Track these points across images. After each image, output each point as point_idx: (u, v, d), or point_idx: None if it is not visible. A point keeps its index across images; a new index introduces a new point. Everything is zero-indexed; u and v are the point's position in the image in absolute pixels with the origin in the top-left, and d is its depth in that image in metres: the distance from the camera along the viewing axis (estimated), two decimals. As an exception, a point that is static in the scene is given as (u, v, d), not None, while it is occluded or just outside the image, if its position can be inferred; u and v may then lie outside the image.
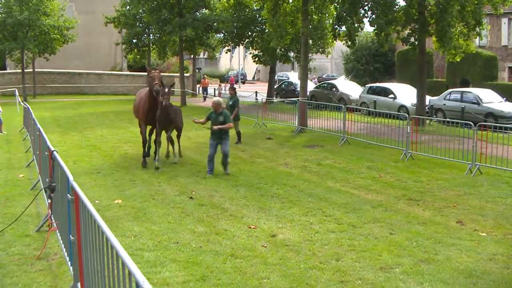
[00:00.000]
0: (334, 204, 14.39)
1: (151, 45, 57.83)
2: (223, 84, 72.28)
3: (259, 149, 23.37)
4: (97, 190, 15.61)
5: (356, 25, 32.83)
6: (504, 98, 36.79)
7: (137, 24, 54.83)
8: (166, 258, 10.20)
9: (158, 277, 9.26)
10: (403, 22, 31.11)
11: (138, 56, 60.79)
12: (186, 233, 11.76)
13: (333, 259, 10.37)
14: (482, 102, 34.98)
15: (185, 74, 55.26)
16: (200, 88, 58.35)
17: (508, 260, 10.63)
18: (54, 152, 10.04)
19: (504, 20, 54.24)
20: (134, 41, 57.16)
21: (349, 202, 14.64)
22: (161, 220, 12.72)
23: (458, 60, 33.58)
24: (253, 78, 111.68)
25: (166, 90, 18.68)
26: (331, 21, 38.12)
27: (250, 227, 12.31)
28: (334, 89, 47.00)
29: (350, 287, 9.10)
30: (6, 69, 65.97)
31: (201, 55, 75.73)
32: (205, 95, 57.12)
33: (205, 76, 65.42)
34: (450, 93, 37.97)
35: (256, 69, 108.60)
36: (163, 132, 19.59)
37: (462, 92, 37.39)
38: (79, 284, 7.81)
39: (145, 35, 57.18)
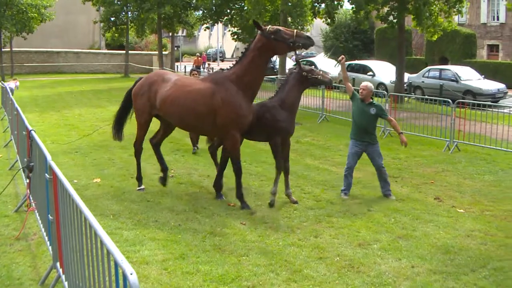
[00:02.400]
0: (312, 181, 14.47)
1: (129, 23, 57.36)
2: (213, 63, 71.79)
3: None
4: (76, 170, 15.57)
5: (335, 2, 32.83)
6: (483, 76, 37.00)
7: (115, 1, 54.33)
8: (145, 237, 10.21)
9: (137, 256, 9.27)
10: (383, 0, 31.11)
11: (116, 34, 60.25)
12: (165, 212, 11.77)
13: (311, 236, 10.45)
14: (461, 80, 35.17)
15: (163, 52, 55.01)
16: (194, 66, 58.02)
17: (485, 236, 10.76)
18: (32, 132, 10.01)
19: (484, -2, 54.52)
20: (112, 19, 56.58)
21: (328, 179, 14.72)
22: (140, 199, 12.72)
23: (436, 38, 33.67)
24: (232, 55, 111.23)
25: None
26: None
27: (229, 205, 12.37)
28: (313, 66, 46.86)
29: (328, 264, 9.17)
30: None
31: (180, 33, 75.24)
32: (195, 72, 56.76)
33: (199, 54, 65.24)
34: (429, 70, 38.12)
35: (235, 46, 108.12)
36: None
37: (440, 70, 37.55)
38: (58, 264, 7.83)
39: (123, 13, 56.68)
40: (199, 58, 58.85)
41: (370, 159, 13.49)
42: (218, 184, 13.19)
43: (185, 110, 12.46)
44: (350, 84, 13.52)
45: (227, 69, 12.64)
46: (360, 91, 13.38)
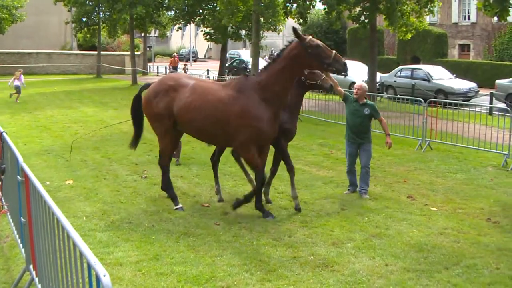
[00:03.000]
0: (286, 181, 14.45)
1: (101, 23, 57.03)
2: (188, 63, 71.53)
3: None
4: (48, 171, 15.47)
5: (307, 3, 32.89)
6: (454, 75, 37.27)
7: (87, 2, 53.94)
8: (119, 238, 10.19)
9: (111, 257, 9.25)
10: (354, 0, 31.21)
11: (88, 35, 59.94)
12: (138, 213, 11.75)
13: (285, 236, 10.47)
14: (432, 79, 35.41)
15: (135, 53, 54.82)
16: (170, 67, 57.50)
17: (458, 234, 10.85)
18: (4, 134, 9.93)
19: (455, -2, 54.93)
20: (84, 19, 56.23)
21: (301, 179, 14.74)
22: (113, 200, 12.68)
23: (409, 37, 33.85)
24: (205, 56, 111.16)
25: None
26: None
27: (203, 206, 12.35)
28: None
29: (302, 263, 9.20)
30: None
31: (152, 33, 75.06)
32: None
33: (175, 54, 65.01)
34: (401, 70, 38.35)
35: (208, 47, 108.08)
36: None
37: (412, 69, 37.79)
38: (31, 267, 7.78)
39: (95, 13, 56.29)
40: (175, 58, 58.54)
41: (359, 157, 13.62)
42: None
43: (205, 118, 11.50)
44: (340, 88, 13.43)
45: (254, 75, 11.87)
46: (355, 91, 13.40)
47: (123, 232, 10.52)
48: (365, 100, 13.53)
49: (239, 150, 11.89)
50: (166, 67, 60.35)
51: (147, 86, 12.73)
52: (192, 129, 12.04)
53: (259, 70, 12.07)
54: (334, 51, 11.08)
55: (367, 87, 13.51)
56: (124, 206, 12.23)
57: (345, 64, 11.22)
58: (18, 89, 34.96)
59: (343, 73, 11.29)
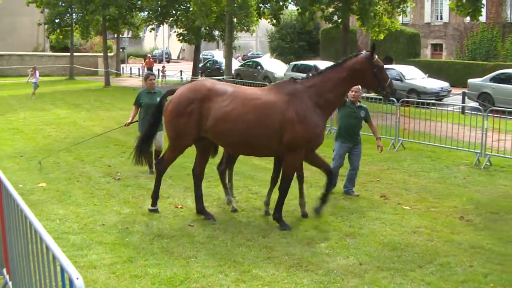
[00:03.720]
0: (260, 181, 14.49)
1: (74, 24, 56.71)
2: (166, 64, 71.08)
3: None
4: (21, 174, 15.34)
5: (280, 3, 32.97)
6: (427, 75, 37.49)
7: (60, 3, 53.67)
8: (92, 241, 10.13)
9: (84, 260, 9.20)
10: (327, 0, 31.30)
11: (60, 36, 59.62)
12: (112, 215, 11.69)
13: (259, 236, 10.48)
14: (405, 79, 35.56)
15: (108, 54, 54.60)
16: (145, 68, 57.18)
17: (431, 232, 10.92)
18: (-25, 136, 9.86)
19: (428, -2, 55.28)
20: (56, 20, 55.91)
21: (264, 180, 14.75)
22: (86, 203, 12.60)
23: (382, 37, 34.00)
24: (178, 57, 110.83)
25: None
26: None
27: (176, 207, 12.33)
28: (259, 67, 47.11)
29: (277, 263, 9.21)
30: None
31: (125, 34, 74.79)
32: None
33: (150, 55, 64.76)
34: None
35: (181, 48, 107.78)
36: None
37: (386, 69, 37.90)
38: (5, 270, 7.72)
39: (68, 15, 55.98)
40: (151, 59, 58.29)
41: (349, 159, 13.69)
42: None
43: (252, 128, 10.70)
44: None
45: (300, 79, 11.39)
46: (352, 93, 13.31)
47: (96, 235, 10.46)
48: (359, 103, 13.64)
49: (290, 157, 11.00)
50: (139, 68, 60.13)
51: (172, 92, 11.77)
52: (230, 141, 11.15)
53: (310, 74, 11.49)
54: (390, 77, 11.28)
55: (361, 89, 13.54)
56: (97, 209, 12.16)
57: (395, 90, 11.53)
58: (35, 85, 38.11)
59: (389, 97, 11.60)
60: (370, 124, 13.76)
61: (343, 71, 11.00)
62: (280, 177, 11.50)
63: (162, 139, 15.06)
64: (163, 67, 56.62)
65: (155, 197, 12.01)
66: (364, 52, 11.26)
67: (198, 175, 12.11)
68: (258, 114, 10.73)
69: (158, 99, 14.68)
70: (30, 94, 37.58)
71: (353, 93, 13.30)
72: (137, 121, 15.29)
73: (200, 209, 11.69)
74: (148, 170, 15.28)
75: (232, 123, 10.73)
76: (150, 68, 54.00)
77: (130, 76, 57.82)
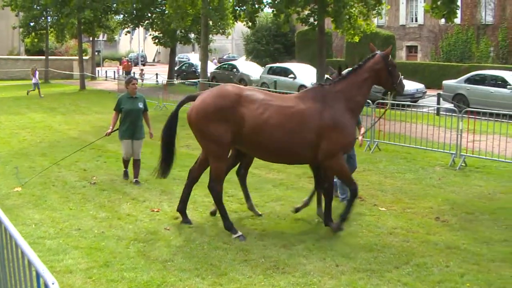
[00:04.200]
0: (236, 184, 14.41)
1: (49, 28, 56.39)
2: (144, 67, 70.75)
3: (160, 132, 23.00)
4: (-5, 178, 15.27)
5: (256, 6, 32.94)
6: (402, 76, 37.57)
7: (35, 6, 53.30)
8: (68, 245, 10.09)
9: (61, 265, 9.16)
10: (303, 3, 31.30)
11: (36, 40, 59.21)
12: (88, 219, 11.65)
13: (236, 239, 10.47)
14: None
15: (84, 57, 54.36)
16: (121, 72, 56.72)
17: (407, 233, 10.99)
18: None
19: (402, 0, 55.53)
20: (31, 24, 55.54)
21: (251, 182, 14.70)
22: (62, 207, 12.54)
23: (357, 40, 34.08)
24: (154, 60, 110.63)
25: None
26: (231, 2, 38.12)
27: (153, 211, 12.29)
28: (235, 69, 47.18)
29: (254, 266, 9.22)
30: None
31: (100, 37, 74.47)
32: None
33: (128, 58, 64.46)
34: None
35: (157, 51, 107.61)
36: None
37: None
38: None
39: (43, 18, 55.67)
40: (129, 62, 57.93)
41: (348, 162, 13.55)
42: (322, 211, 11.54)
43: (289, 136, 10.49)
44: None
45: (327, 84, 11.25)
46: None
47: (72, 239, 10.42)
48: None
49: (331, 165, 10.85)
50: (114, 71, 59.89)
51: (191, 98, 11.35)
52: (266, 150, 10.81)
53: (333, 79, 11.52)
54: (400, 74, 11.48)
55: None
56: (73, 213, 12.11)
57: (404, 87, 11.82)
58: (35, 85, 40.98)
59: (399, 95, 12.06)
60: (360, 126, 13.68)
61: (365, 72, 11.14)
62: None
63: (141, 147, 14.99)
64: (142, 70, 56.46)
65: (228, 225, 10.88)
66: (379, 51, 11.41)
67: (194, 178, 11.80)
68: (295, 122, 10.55)
69: (139, 104, 14.65)
70: (33, 93, 40.70)
71: None
72: (117, 129, 14.83)
73: (181, 209, 11.54)
74: (123, 174, 15.19)
75: (270, 132, 10.46)
76: (128, 72, 53.87)
77: (106, 80, 57.60)
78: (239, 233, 10.68)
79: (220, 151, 10.77)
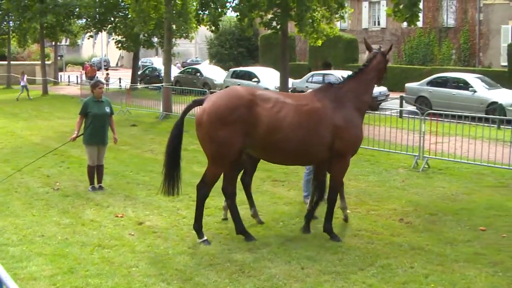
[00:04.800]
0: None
1: (11, 32, 55.88)
2: (107, 71, 70.18)
3: (124, 136, 22.92)
4: (-44, 185, 15.07)
5: (219, 10, 32.93)
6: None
7: (-4, 11, 52.89)
8: (32, 252, 10.00)
9: (24, 272, 9.07)
10: (266, 7, 31.34)
11: (-3, 45, 58.74)
12: (51, 226, 11.54)
13: (201, 244, 10.46)
14: (343, 84, 35.80)
15: (46, 62, 53.91)
16: (86, 77, 56.15)
17: (372, 235, 11.04)
18: None
19: (365, 4, 56.01)
20: (-7, 29, 55.15)
21: (215, 186, 14.65)
22: (25, 214, 12.41)
23: (320, 44, 34.20)
24: (117, 64, 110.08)
25: None
26: (194, 6, 38.07)
27: (117, 216, 12.21)
28: (199, 74, 47.13)
29: (219, 270, 9.21)
30: None
31: (63, 42, 73.96)
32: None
33: (92, 63, 63.98)
34: (312, 75, 38.72)
35: (120, 55, 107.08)
36: None
37: (324, 75, 38.18)
38: None
39: (5, 22, 55.18)
40: (93, 67, 57.42)
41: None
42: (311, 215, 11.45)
43: (307, 135, 10.31)
44: None
45: (337, 84, 11.27)
46: None
47: (36, 246, 10.32)
48: None
49: (341, 165, 10.87)
50: (77, 76, 59.37)
51: (197, 103, 10.87)
52: (281, 151, 10.49)
53: (342, 79, 11.63)
54: None
55: None
56: (36, 219, 11.99)
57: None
58: (23, 88, 43.53)
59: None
60: None
61: (371, 71, 11.28)
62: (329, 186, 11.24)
63: (105, 153, 14.85)
64: (107, 74, 56.06)
65: (198, 227, 10.75)
66: (377, 49, 11.64)
67: (232, 195, 11.21)
68: (312, 121, 10.41)
69: (106, 108, 14.42)
70: (22, 96, 42.72)
71: None
72: (82, 134, 14.50)
73: (241, 230, 10.88)
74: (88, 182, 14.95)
75: (288, 131, 10.21)
76: (92, 77, 53.29)
77: (68, 84, 57.18)
78: (205, 237, 10.58)
79: (226, 156, 10.34)
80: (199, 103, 10.74)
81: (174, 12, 34.37)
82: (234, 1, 32.67)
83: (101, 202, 13.27)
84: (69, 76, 63.41)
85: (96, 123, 14.22)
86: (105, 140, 14.53)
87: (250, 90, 10.77)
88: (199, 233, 10.64)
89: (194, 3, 38.86)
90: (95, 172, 14.54)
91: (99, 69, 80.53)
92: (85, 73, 58.40)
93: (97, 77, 50.75)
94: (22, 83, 44.26)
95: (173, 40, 40.92)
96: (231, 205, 10.99)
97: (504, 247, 10.43)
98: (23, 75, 44.42)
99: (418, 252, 10.13)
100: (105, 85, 18.12)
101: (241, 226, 10.86)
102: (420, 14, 23.47)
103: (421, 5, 23.11)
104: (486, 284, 8.75)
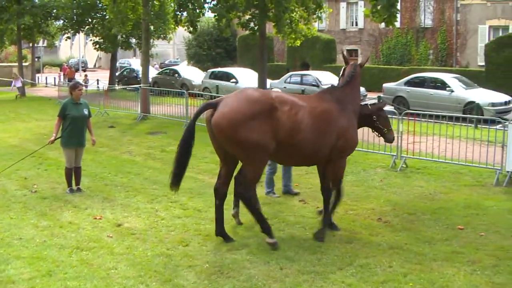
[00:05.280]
0: (179, 189, 14.43)
1: (-13, 34, 55.59)
2: (85, 73, 69.67)
3: (102, 138, 22.76)
4: None
5: (197, 11, 32.92)
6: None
7: (-27, 13, 52.44)
8: (10, 255, 9.94)
9: (2, 275, 9.03)
10: (244, 7, 31.35)
11: (-26, 47, 58.23)
12: (29, 228, 11.47)
13: (180, 245, 10.46)
14: (321, 84, 35.93)
15: (23, 64, 53.61)
16: (65, 78, 55.68)
17: (350, 235, 11.11)
18: None
19: (343, 5, 56.11)
20: (-30, 31, 54.65)
21: (194, 187, 14.74)
22: (2, 216, 12.31)
23: (298, 44, 34.26)
24: (95, 65, 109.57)
25: None
26: (172, 7, 38.03)
27: (95, 218, 12.15)
28: (177, 75, 47.00)
29: (198, 271, 9.23)
30: None
31: (40, 43, 73.46)
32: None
33: (71, 65, 63.61)
34: (291, 76, 38.86)
35: (98, 56, 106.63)
36: None
37: (302, 75, 38.38)
38: None
39: (-18, 24, 54.85)
40: (71, 69, 57.00)
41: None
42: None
43: (321, 136, 10.55)
44: None
45: (337, 87, 11.66)
46: None
47: (14, 249, 10.26)
48: None
49: (338, 164, 11.18)
50: (55, 78, 59.00)
51: (210, 106, 10.54)
52: (298, 153, 10.65)
53: (339, 82, 11.99)
54: None
55: None
56: (14, 222, 11.91)
57: None
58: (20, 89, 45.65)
59: None
60: None
61: (358, 77, 11.67)
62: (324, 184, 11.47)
63: (82, 155, 14.75)
64: (86, 76, 55.75)
65: (267, 227, 10.54)
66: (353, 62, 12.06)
67: (222, 195, 11.09)
68: (323, 122, 10.63)
69: (85, 110, 14.31)
70: (19, 96, 44.94)
71: None
72: (60, 137, 14.32)
73: (221, 232, 10.83)
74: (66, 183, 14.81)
75: (305, 133, 10.35)
76: (71, 79, 52.96)
77: (46, 86, 56.76)
78: (274, 239, 10.43)
79: (261, 156, 10.29)
80: (212, 106, 10.44)
81: (152, 13, 34.30)
82: (212, 2, 32.58)
83: (79, 204, 13.22)
84: (46, 78, 62.91)
85: (74, 125, 14.08)
86: (83, 142, 14.42)
87: (266, 93, 10.73)
88: (270, 233, 10.46)
89: (172, 4, 38.81)
90: (73, 174, 14.46)
91: (77, 70, 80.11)
92: (64, 74, 57.95)
93: (74, 79, 50.58)
94: (18, 84, 45.55)
95: (151, 41, 40.86)
96: (218, 205, 10.93)
97: (482, 246, 10.51)
98: (18, 76, 46.32)
99: (397, 251, 10.18)
100: (84, 87, 17.83)
101: (221, 228, 10.80)
102: (398, 15, 23.59)
103: (398, 6, 23.23)
104: (465, 283, 8.81)
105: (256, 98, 10.20)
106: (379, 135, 12.38)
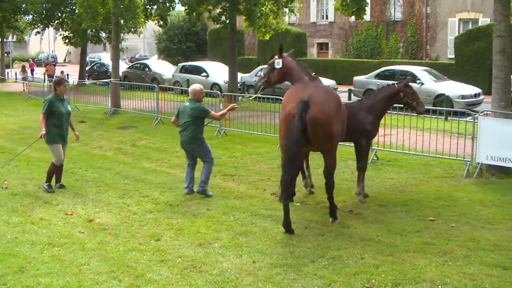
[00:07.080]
0: (150, 184, 14.43)
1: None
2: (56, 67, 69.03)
3: (72, 133, 22.67)
4: None
5: (167, 4, 32.82)
6: (313, 73, 38.01)
7: None
8: (-20, 252, 9.88)
9: (-27, 272, 8.97)
10: (214, 1, 31.32)
11: None
12: (0, 225, 11.38)
13: (152, 240, 10.44)
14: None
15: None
16: (46, 75, 55.15)
17: (322, 227, 11.15)
18: None
19: (313, -2, 56.19)
20: None
21: (165, 182, 14.72)
22: (-28, 213, 12.24)
23: (268, 38, 34.30)
24: (64, 60, 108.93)
25: None
26: (142, 1, 37.85)
27: (66, 214, 12.09)
28: (147, 69, 46.77)
29: (170, 266, 9.20)
30: None
31: (10, 38, 72.85)
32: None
33: (51, 60, 63.08)
34: (261, 69, 38.77)
35: (67, 51, 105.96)
36: None
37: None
38: None
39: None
40: (52, 65, 56.40)
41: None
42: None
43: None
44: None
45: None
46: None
47: (-16, 246, 10.20)
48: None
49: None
50: (16, 73, 58.26)
51: (305, 104, 10.94)
52: (338, 140, 11.92)
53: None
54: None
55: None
56: (-16, 219, 11.83)
57: None
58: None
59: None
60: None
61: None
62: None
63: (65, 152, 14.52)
64: (62, 72, 55.35)
65: (334, 209, 11.70)
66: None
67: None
68: (346, 113, 12.10)
69: (68, 106, 14.12)
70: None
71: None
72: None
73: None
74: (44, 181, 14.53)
75: (344, 124, 11.85)
76: (51, 76, 52.35)
77: (16, 81, 56.29)
78: (338, 220, 11.51)
79: (337, 146, 11.79)
80: (306, 104, 10.95)
81: (122, 6, 34.09)
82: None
83: (50, 200, 13.14)
84: (16, 73, 62.38)
85: (61, 122, 13.89)
86: (66, 138, 14.26)
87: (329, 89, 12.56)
88: (335, 214, 11.58)
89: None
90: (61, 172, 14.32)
91: (46, 65, 79.41)
92: (31, 70, 57.31)
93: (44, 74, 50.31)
94: (23, 75, 48.89)
95: (121, 35, 40.63)
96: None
97: (453, 237, 10.60)
98: (25, 68, 51.20)
99: (368, 243, 10.24)
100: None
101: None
102: (368, 8, 23.71)
103: (368, -1, 23.36)
104: (436, 274, 8.88)
105: (337, 95, 12.04)
106: (411, 109, 13.64)
